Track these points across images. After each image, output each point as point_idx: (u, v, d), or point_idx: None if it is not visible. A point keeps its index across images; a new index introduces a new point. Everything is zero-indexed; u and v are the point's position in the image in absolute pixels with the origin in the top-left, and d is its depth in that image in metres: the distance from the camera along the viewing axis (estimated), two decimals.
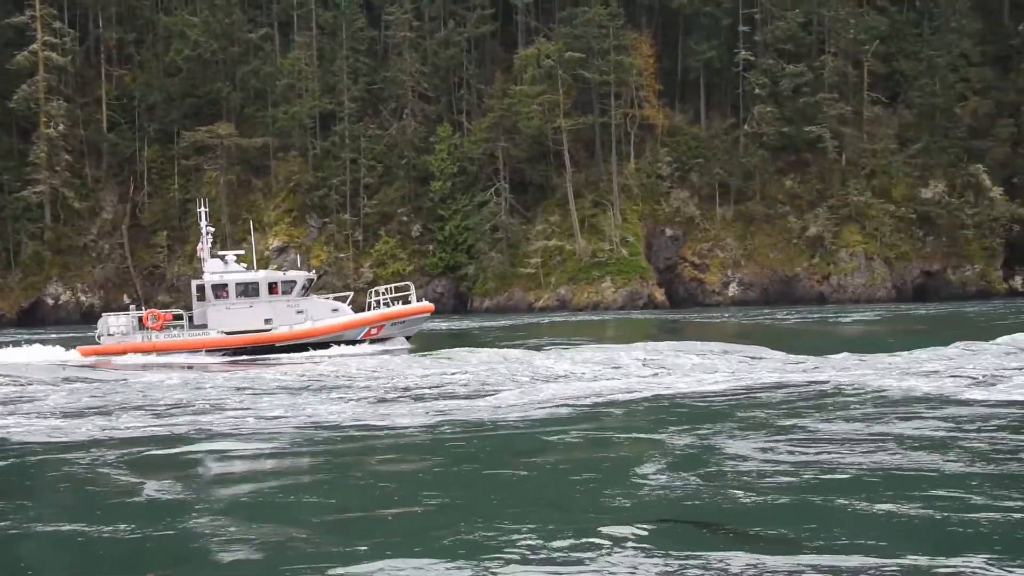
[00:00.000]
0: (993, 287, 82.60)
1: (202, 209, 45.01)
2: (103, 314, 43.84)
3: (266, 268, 50.34)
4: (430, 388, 25.55)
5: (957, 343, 31.18)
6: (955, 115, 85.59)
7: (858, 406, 19.63)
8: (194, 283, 43.12)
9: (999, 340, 32.57)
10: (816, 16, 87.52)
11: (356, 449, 16.78)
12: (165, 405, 23.62)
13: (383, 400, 23.25)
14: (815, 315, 63.06)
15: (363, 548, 10.34)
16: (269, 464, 15.87)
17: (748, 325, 56.07)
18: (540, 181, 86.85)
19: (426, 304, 44.27)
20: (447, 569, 9.52)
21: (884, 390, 21.72)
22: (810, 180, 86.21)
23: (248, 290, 41.13)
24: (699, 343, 35.41)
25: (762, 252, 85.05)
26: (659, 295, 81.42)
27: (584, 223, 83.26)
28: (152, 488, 13.74)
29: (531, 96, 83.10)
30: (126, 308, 48.52)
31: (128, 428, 19.78)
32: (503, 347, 37.26)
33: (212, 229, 44.22)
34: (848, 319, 57.52)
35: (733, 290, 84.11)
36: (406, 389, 25.50)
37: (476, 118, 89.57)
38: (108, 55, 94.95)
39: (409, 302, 43.05)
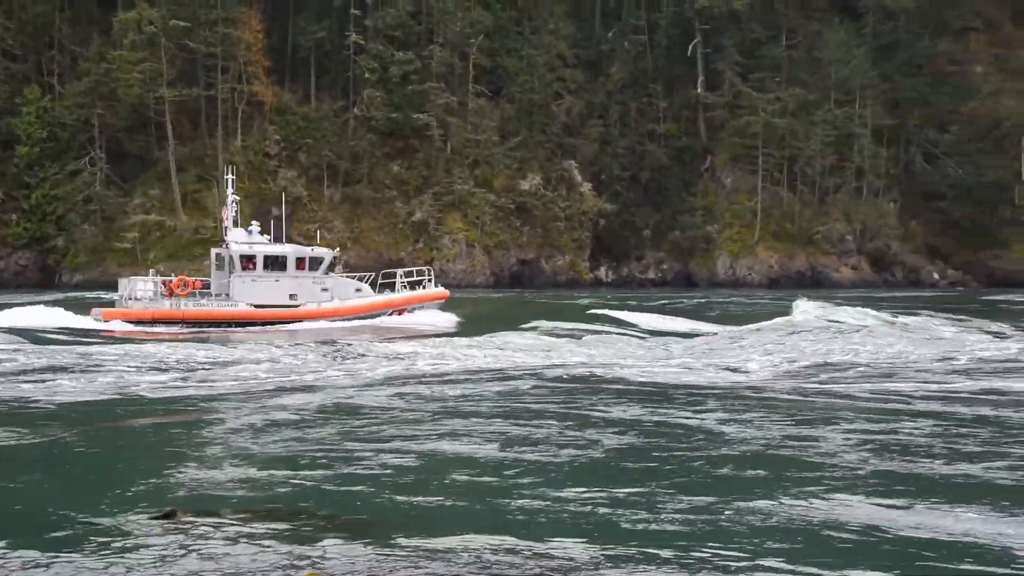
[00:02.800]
0: (581, 276, 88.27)
1: (229, 176, 43.80)
2: (125, 279, 42.24)
3: None
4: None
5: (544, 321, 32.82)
6: (551, 112, 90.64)
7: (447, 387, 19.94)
8: (215, 252, 41.97)
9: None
10: (425, 6, 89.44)
11: None
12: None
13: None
14: None
15: None
16: None
17: None
18: (140, 152, 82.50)
19: (443, 290, 45.70)
20: None
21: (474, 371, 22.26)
22: (417, 167, 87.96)
23: (276, 263, 40.63)
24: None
25: (368, 236, 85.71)
26: None
27: (187, 199, 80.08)
28: None
29: (131, 63, 78.63)
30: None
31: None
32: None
33: (237, 197, 42.59)
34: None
35: (339, 272, 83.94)
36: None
37: (69, 81, 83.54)
38: None
39: (426, 287, 44.21)
